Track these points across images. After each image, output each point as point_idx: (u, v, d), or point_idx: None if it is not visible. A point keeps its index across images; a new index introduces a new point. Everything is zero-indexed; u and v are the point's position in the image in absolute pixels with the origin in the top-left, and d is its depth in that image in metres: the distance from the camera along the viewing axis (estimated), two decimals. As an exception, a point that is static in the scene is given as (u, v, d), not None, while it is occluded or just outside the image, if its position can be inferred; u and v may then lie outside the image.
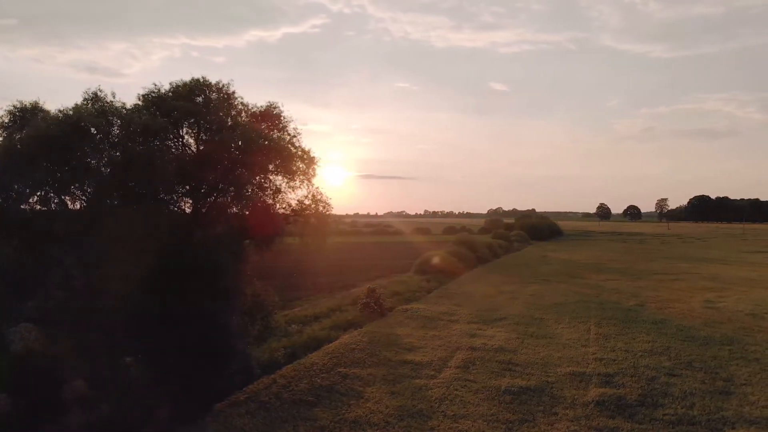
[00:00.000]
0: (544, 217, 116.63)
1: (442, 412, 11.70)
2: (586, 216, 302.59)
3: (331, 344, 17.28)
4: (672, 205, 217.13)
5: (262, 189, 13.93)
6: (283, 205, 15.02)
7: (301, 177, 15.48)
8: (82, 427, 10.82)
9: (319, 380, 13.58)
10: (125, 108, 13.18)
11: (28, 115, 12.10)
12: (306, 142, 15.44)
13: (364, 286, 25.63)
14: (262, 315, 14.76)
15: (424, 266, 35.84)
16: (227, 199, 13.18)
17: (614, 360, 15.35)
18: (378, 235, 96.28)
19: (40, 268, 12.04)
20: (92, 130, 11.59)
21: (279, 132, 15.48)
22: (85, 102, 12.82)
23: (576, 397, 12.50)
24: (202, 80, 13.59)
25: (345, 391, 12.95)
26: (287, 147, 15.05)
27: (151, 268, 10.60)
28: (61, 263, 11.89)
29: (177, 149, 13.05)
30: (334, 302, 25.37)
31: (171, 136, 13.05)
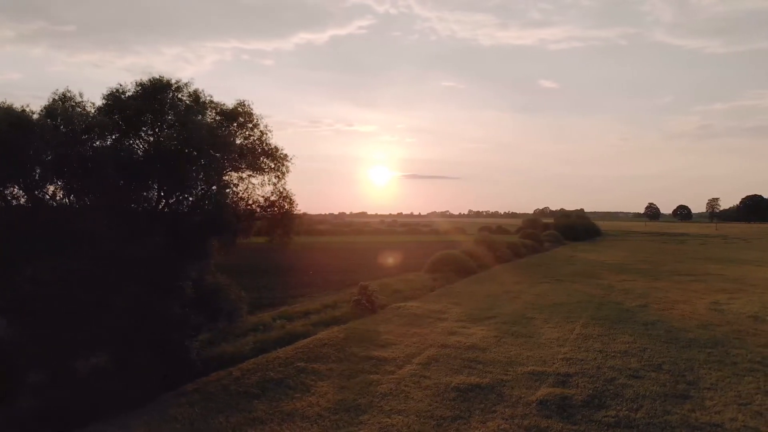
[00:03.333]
0: (584, 216, 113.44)
1: (380, 407, 11.72)
2: (637, 216, 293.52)
3: (305, 339, 17.49)
4: (726, 204, 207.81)
5: (219, 186, 14.23)
6: (249, 202, 15.30)
7: (271, 175, 15.78)
8: (33, 413, 11.40)
9: (272, 374, 13.80)
10: (94, 107, 13.84)
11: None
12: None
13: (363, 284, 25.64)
14: (228, 311, 15.03)
15: (435, 265, 35.69)
16: (176, 195, 13.53)
17: (581, 360, 14.97)
18: (411, 234, 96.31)
19: (10, 261, 12.69)
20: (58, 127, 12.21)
21: (249, 131, 15.76)
22: (54, 101, 13.45)
23: (522, 396, 12.28)
24: (161, 79, 13.99)
25: (294, 385, 13.12)
26: (252, 145, 15.37)
27: (93, 262, 11.05)
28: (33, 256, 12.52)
29: (136, 147, 13.48)
30: (331, 299, 25.60)
31: (131, 135, 13.51)
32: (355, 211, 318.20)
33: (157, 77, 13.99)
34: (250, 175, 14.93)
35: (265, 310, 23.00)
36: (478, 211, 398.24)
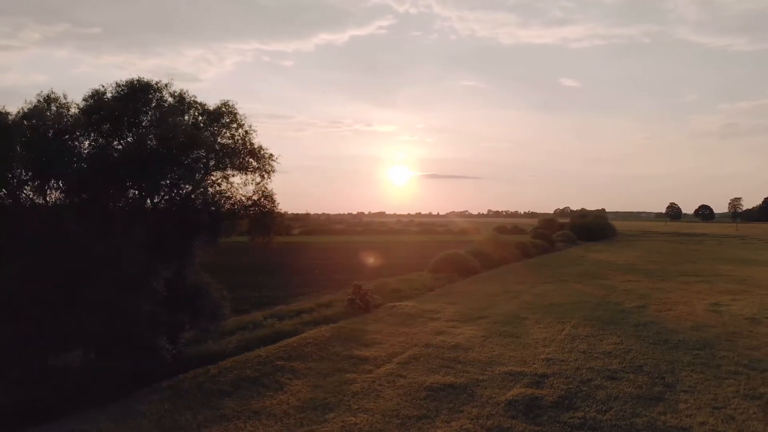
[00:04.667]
0: (601, 216, 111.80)
1: (348, 405, 11.74)
2: (659, 216, 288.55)
3: (291, 338, 17.58)
4: (750, 204, 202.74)
5: (200, 185, 14.40)
6: (232, 202, 15.43)
7: (255, 174, 15.92)
8: (8, 407, 11.64)
9: (248, 372, 13.91)
10: (79, 108, 14.14)
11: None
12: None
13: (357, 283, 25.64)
14: (210, 309, 15.17)
15: (438, 265, 35.60)
16: (159, 194, 13.72)
17: (562, 361, 14.82)
18: (424, 234, 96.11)
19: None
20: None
21: (233, 131, 15.90)
22: (39, 103, 13.76)
23: (493, 396, 12.20)
24: (140, 80, 14.19)
25: (268, 383, 13.20)
26: (236, 144, 15.52)
27: (65, 260, 11.26)
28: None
29: (115, 147, 13.68)
30: (328, 298, 25.68)
31: (110, 135, 13.72)
32: (374, 211, 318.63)
33: (137, 78, 14.22)
34: (232, 174, 15.10)
35: (263, 309, 23.16)
36: (498, 211, 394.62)
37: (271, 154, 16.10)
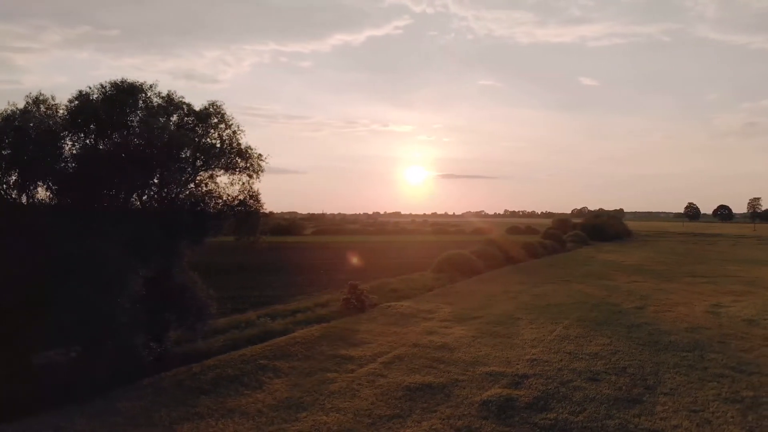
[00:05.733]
0: (615, 217, 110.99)
1: (322, 405, 11.78)
2: (678, 216, 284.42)
3: (281, 337, 17.67)
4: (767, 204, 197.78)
5: (186, 185, 14.55)
6: (218, 201, 15.56)
7: (243, 174, 16.04)
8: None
9: (230, 370, 14.02)
10: (67, 110, 14.38)
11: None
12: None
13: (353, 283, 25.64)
14: (197, 308, 15.30)
15: (441, 265, 35.55)
16: (147, 193, 13.91)
17: (546, 362, 14.72)
18: (435, 234, 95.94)
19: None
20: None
21: (221, 131, 16.03)
22: (27, 104, 14.03)
23: (468, 396, 12.17)
24: (124, 81, 14.36)
25: (248, 382, 13.30)
26: (223, 144, 15.65)
27: (43, 259, 11.47)
28: None
29: (100, 148, 13.88)
30: (325, 298, 25.76)
31: (95, 136, 13.92)
32: (390, 211, 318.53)
33: (122, 79, 14.40)
34: (218, 174, 15.25)
35: (260, 308, 23.29)
36: (514, 211, 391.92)
37: (260, 154, 16.22)
